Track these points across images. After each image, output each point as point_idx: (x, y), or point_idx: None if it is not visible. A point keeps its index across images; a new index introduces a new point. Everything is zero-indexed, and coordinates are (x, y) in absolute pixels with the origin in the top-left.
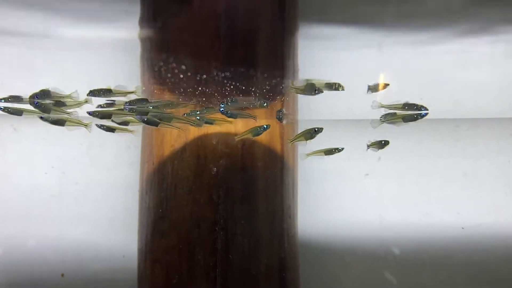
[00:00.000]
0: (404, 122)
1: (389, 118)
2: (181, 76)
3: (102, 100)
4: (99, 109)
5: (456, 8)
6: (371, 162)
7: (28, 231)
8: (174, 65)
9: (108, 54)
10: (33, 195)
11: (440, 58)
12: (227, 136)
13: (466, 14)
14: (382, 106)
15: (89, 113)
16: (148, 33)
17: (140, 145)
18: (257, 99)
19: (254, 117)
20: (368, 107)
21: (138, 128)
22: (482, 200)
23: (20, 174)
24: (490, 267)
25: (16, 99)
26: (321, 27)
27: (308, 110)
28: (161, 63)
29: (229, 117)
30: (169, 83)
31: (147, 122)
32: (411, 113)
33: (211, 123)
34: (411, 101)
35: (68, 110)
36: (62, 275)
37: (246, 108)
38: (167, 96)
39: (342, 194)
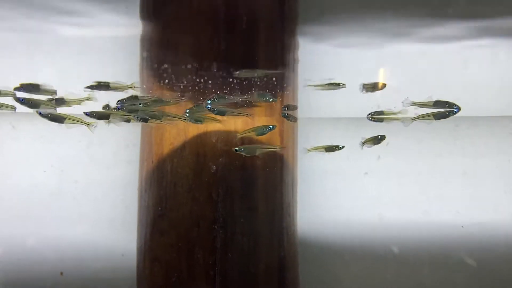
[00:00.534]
0: (435, 119)
1: (422, 115)
2: (181, 73)
3: (102, 101)
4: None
5: (456, 7)
6: (370, 161)
7: (27, 229)
8: (173, 62)
9: (107, 52)
10: (32, 194)
11: (440, 57)
12: (227, 134)
13: (466, 13)
14: (414, 104)
15: (86, 113)
16: (148, 31)
17: (139, 143)
18: (265, 95)
19: (247, 114)
20: (368, 106)
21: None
22: (482, 199)
23: (19, 173)
24: (490, 266)
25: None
26: (321, 24)
27: (308, 108)
28: (160, 61)
29: (216, 114)
30: (168, 81)
31: (143, 120)
32: (441, 110)
33: (200, 122)
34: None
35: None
36: (61, 273)
37: (246, 105)
38: (166, 94)
39: (341, 193)
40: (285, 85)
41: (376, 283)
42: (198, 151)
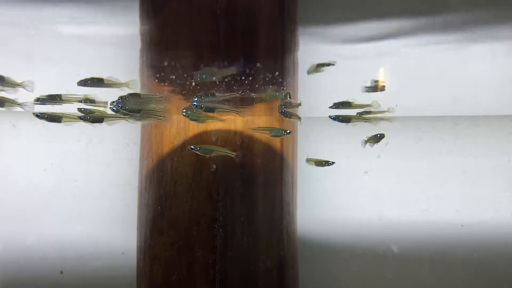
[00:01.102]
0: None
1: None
2: (180, 71)
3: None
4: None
5: (456, 6)
6: (370, 160)
7: (27, 228)
8: (173, 61)
9: (107, 49)
10: (32, 192)
11: (440, 56)
12: (227, 133)
13: (466, 11)
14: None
15: (80, 117)
16: (147, 29)
17: (139, 142)
18: (280, 92)
19: (237, 111)
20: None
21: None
22: (481, 197)
23: (19, 171)
24: (489, 264)
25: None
26: (321, 23)
27: (308, 107)
28: (160, 59)
29: (204, 111)
30: (168, 79)
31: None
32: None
33: (198, 120)
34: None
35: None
36: (61, 272)
37: (245, 103)
38: (166, 92)
39: (341, 192)
40: (285, 83)
41: (375, 282)
42: None
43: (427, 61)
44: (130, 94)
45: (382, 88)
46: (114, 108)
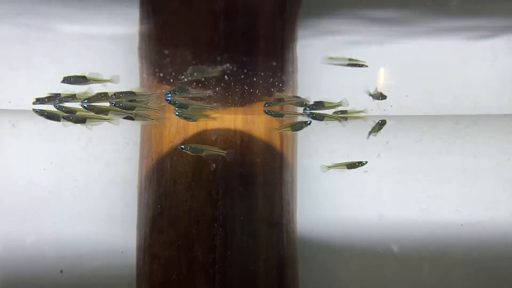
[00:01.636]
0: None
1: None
2: (180, 71)
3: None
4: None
5: (456, 4)
6: (370, 159)
7: (27, 227)
8: (173, 60)
9: (107, 50)
10: (32, 192)
11: (440, 55)
12: (227, 132)
13: (466, 10)
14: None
15: (64, 117)
16: (147, 29)
17: (139, 141)
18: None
19: (211, 107)
20: (368, 104)
21: None
22: (481, 197)
23: (19, 170)
24: (489, 264)
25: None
26: (322, 21)
27: None
28: (160, 58)
29: (177, 107)
30: (168, 79)
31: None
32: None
33: (190, 119)
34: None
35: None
36: (61, 271)
37: (246, 102)
38: (166, 91)
39: (341, 191)
40: (285, 82)
41: (375, 281)
42: None
43: (427, 60)
44: (125, 92)
45: (384, 97)
46: (85, 106)
